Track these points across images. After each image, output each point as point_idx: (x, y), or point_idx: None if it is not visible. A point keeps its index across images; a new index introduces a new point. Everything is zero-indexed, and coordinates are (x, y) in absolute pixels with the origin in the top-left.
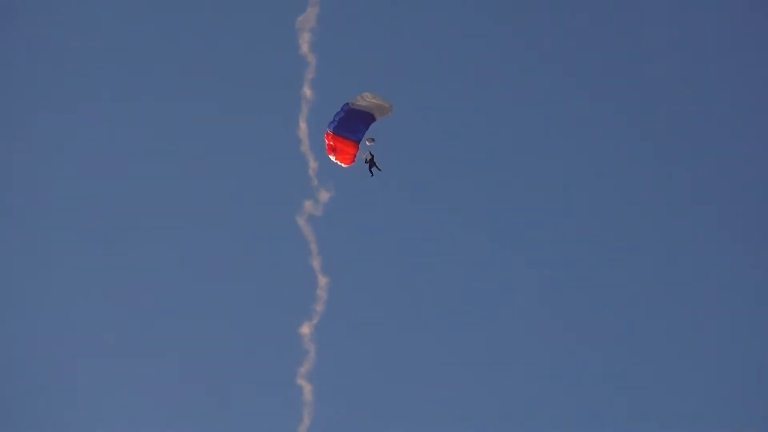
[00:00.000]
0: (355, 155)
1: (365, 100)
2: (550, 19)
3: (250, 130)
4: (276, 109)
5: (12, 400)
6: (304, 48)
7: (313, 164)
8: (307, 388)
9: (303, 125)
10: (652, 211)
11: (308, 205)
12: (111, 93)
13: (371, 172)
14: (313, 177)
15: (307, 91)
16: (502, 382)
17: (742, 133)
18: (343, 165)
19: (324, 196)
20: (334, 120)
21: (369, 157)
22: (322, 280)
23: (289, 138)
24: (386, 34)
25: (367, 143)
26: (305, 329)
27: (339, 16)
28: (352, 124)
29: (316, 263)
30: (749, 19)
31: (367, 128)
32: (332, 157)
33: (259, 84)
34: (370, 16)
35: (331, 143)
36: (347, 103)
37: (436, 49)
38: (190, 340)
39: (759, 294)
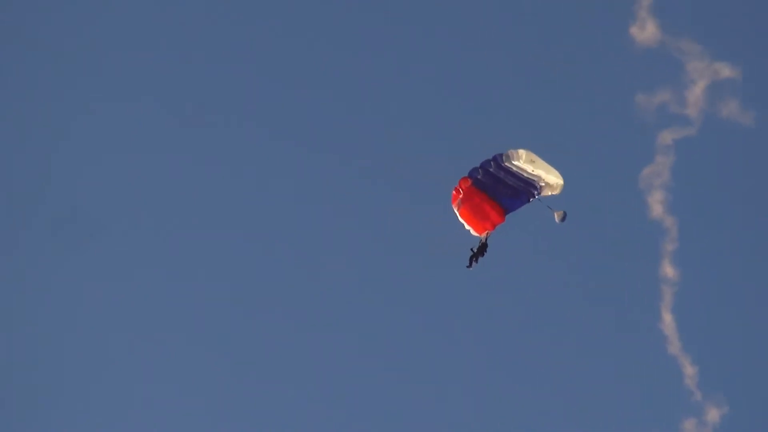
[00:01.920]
0: (493, 226)
1: (528, 161)
2: None
3: (593, 325)
4: (626, 295)
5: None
6: (658, 210)
7: (690, 369)
8: None
9: (667, 317)
10: None
11: (690, 426)
12: None
13: (473, 261)
14: (694, 387)
15: (668, 270)
16: None
17: None
18: (469, 229)
19: (713, 414)
20: (480, 168)
21: (484, 239)
22: None
23: (648, 335)
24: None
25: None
26: None
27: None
28: (508, 183)
29: None
30: None
31: (528, 200)
32: (455, 209)
33: (599, 259)
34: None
35: (463, 193)
36: (502, 155)
37: None
38: None
39: None
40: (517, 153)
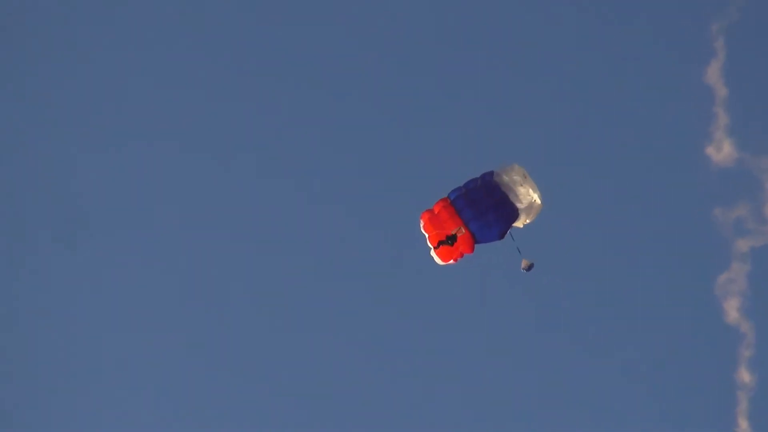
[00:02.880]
0: (459, 256)
1: (520, 174)
2: None
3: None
4: (702, 401)
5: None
6: (734, 315)
7: None
8: None
9: (743, 423)
10: None
11: None
12: None
13: (440, 245)
14: None
15: (745, 376)
16: None
17: None
18: (433, 253)
19: None
20: (463, 187)
21: (457, 233)
22: None
23: None
24: None
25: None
26: None
27: None
28: (488, 206)
29: None
30: None
31: (502, 235)
32: (423, 230)
33: (675, 365)
34: None
35: (437, 216)
36: (492, 172)
37: None
38: None
39: None
40: (511, 167)
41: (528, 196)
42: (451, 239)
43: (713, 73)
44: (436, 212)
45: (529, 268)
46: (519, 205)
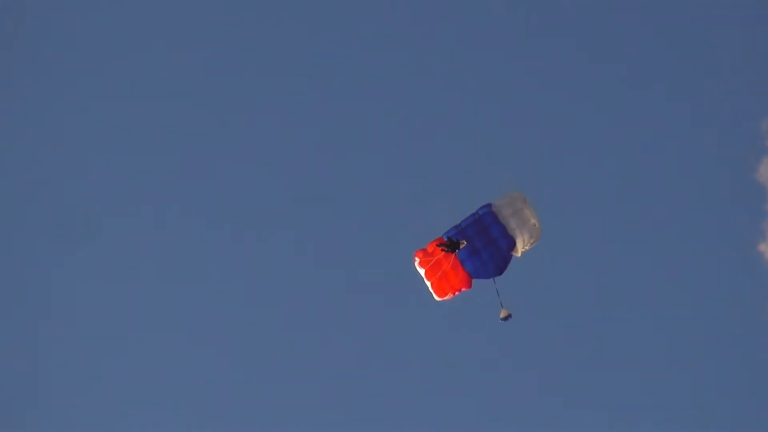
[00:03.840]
0: (457, 292)
1: (520, 199)
2: None
3: None
4: None
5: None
6: None
7: None
8: None
9: None
10: None
11: None
12: None
13: (446, 246)
14: None
15: None
16: None
17: None
18: (431, 290)
19: None
20: (459, 227)
21: (459, 243)
22: None
23: None
24: None
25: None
26: None
27: None
28: (483, 250)
29: None
30: None
31: (500, 271)
32: (420, 270)
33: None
34: None
35: (432, 254)
36: (490, 204)
37: None
38: None
39: None
40: (510, 195)
41: (529, 221)
42: (453, 245)
43: (765, 171)
44: (429, 251)
45: (506, 318)
46: (518, 234)
